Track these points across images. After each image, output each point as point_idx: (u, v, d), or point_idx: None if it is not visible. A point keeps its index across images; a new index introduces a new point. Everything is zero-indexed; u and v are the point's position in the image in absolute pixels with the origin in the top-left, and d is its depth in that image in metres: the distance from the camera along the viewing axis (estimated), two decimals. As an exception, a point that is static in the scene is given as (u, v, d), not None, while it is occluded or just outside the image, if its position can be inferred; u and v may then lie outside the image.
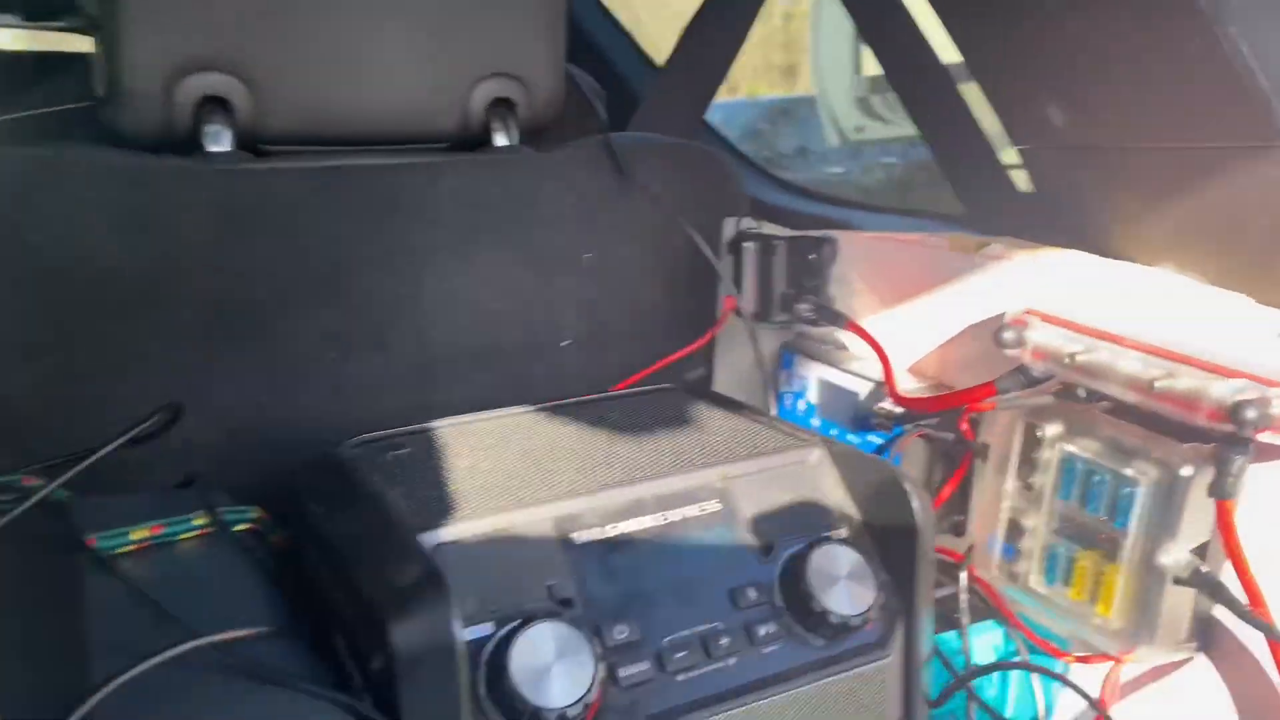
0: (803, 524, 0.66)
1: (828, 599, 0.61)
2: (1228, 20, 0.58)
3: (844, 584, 0.62)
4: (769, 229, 0.95)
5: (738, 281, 0.95)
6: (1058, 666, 0.74)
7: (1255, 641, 0.62)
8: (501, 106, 0.94)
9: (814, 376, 0.90)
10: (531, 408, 0.80)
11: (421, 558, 0.56)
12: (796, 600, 0.62)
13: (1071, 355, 0.65)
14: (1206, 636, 0.64)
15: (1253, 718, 0.63)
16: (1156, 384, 0.60)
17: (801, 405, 0.92)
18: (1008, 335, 0.69)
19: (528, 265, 0.94)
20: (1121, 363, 0.63)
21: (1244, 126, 0.60)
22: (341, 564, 0.59)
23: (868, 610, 0.61)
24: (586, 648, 0.55)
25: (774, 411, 0.92)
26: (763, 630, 0.61)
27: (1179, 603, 0.63)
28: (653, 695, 0.57)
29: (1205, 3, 0.59)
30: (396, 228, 0.86)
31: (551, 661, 0.54)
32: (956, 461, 0.80)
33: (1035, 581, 0.69)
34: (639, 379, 1.02)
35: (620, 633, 0.58)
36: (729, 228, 1.03)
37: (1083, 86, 0.68)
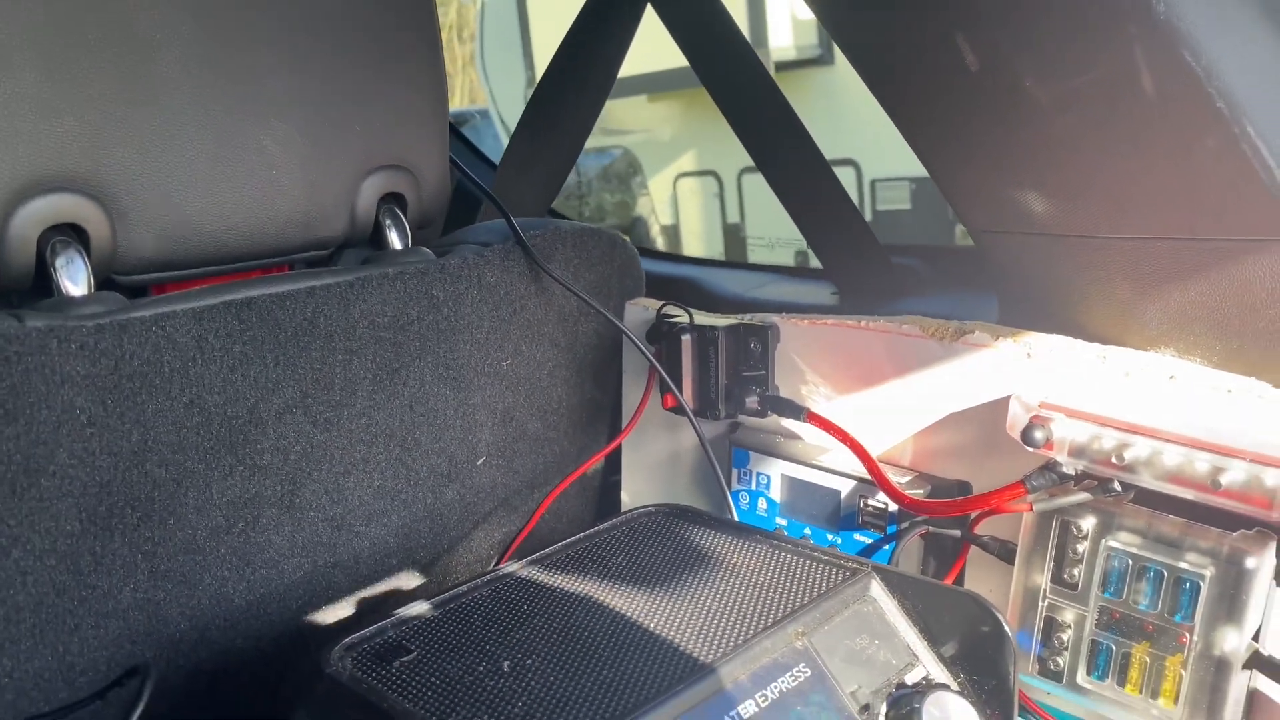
0: (888, 671, 0.61)
1: (950, 764, 0.56)
2: (1244, 119, 0.60)
3: (958, 735, 0.57)
4: (702, 317, 0.89)
5: (674, 375, 0.88)
6: (1083, 749, 0.75)
7: (1304, 711, 0.65)
8: (390, 203, 0.81)
9: (776, 473, 0.85)
10: (520, 564, 0.69)
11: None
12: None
13: (1112, 452, 0.65)
14: (1250, 710, 0.67)
15: (1299, 780, 0.66)
16: (1223, 480, 0.61)
17: (762, 505, 0.86)
18: (1038, 434, 0.67)
19: (448, 382, 0.81)
20: (1165, 457, 0.63)
21: (1255, 219, 0.62)
22: None
23: (987, 764, 0.57)
24: None
25: (732, 515, 0.86)
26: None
27: (1240, 686, 0.64)
28: None
29: (1219, 99, 0.60)
30: (312, 364, 0.71)
31: None
32: (953, 554, 0.78)
33: (1081, 677, 0.69)
34: (560, 490, 0.93)
35: None
36: (631, 311, 0.96)
37: (1075, 176, 0.68)
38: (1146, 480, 0.65)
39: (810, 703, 0.57)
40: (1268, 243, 0.63)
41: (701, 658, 0.56)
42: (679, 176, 5.30)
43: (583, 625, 0.60)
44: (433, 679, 0.56)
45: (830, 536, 0.82)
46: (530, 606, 0.63)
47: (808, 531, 0.84)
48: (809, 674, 0.58)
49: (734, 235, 4.86)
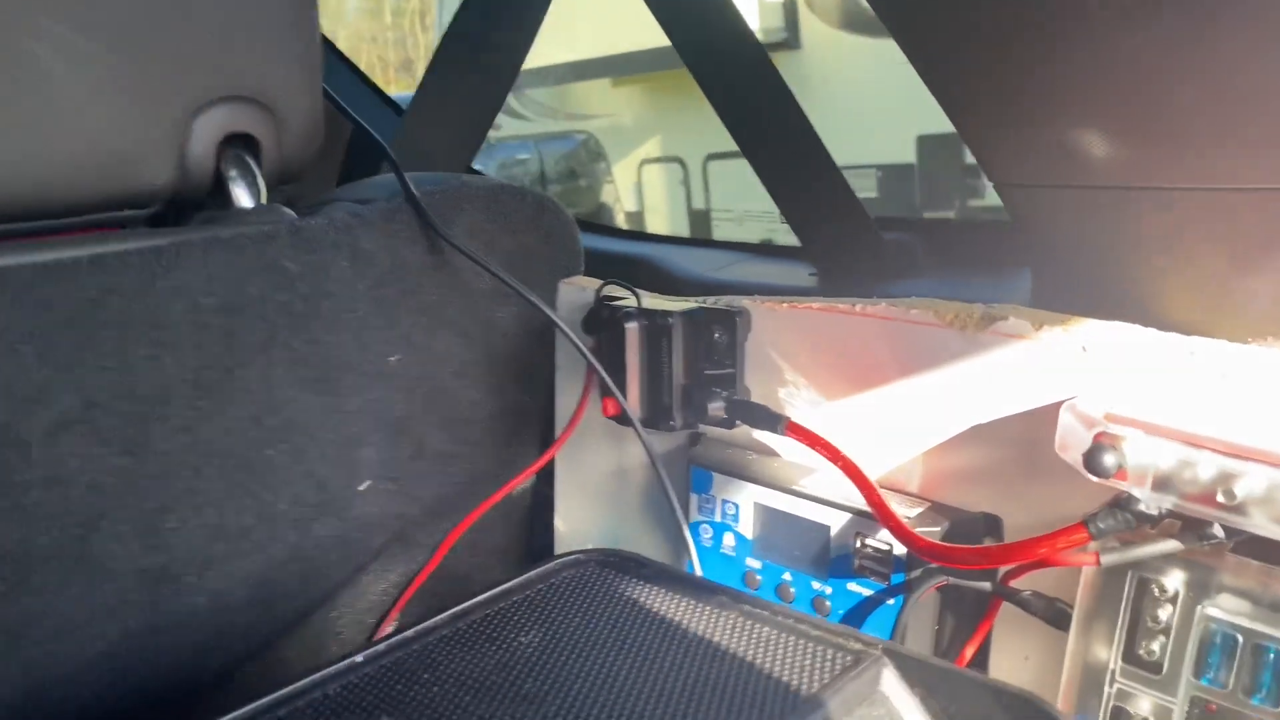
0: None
1: None
2: None
3: None
4: (653, 300, 0.69)
5: (611, 374, 0.69)
6: None
7: None
8: (237, 147, 0.61)
9: (748, 502, 0.66)
10: (383, 648, 0.49)
11: None
12: None
13: (1215, 484, 0.47)
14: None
15: None
16: (1385, 531, 0.42)
17: (729, 541, 0.67)
18: (1108, 459, 0.49)
19: (311, 385, 0.61)
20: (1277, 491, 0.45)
21: None
22: None
23: None
24: None
25: (694, 557, 0.67)
26: None
27: (1392, 812, 0.46)
28: None
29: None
30: (101, 361, 0.51)
31: None
32: (978, 613, 0.59)
33: (1164, 790, 0.50)
34: (473, 520, 0.74)
35: None
36: (567, 293, 0.76)
37: (1145, 104, 0.49)
38: (1261, 524, 0.46)
39: None
40: None
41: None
42: (644, 163, 5.12)
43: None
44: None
45: (817, 586, 0.63)
46: (442, 692, 0.44)
47: (787, 577, 0.65)
48: (799, 821, 0.39)
49: (700, 222, 4.68)
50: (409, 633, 0.50)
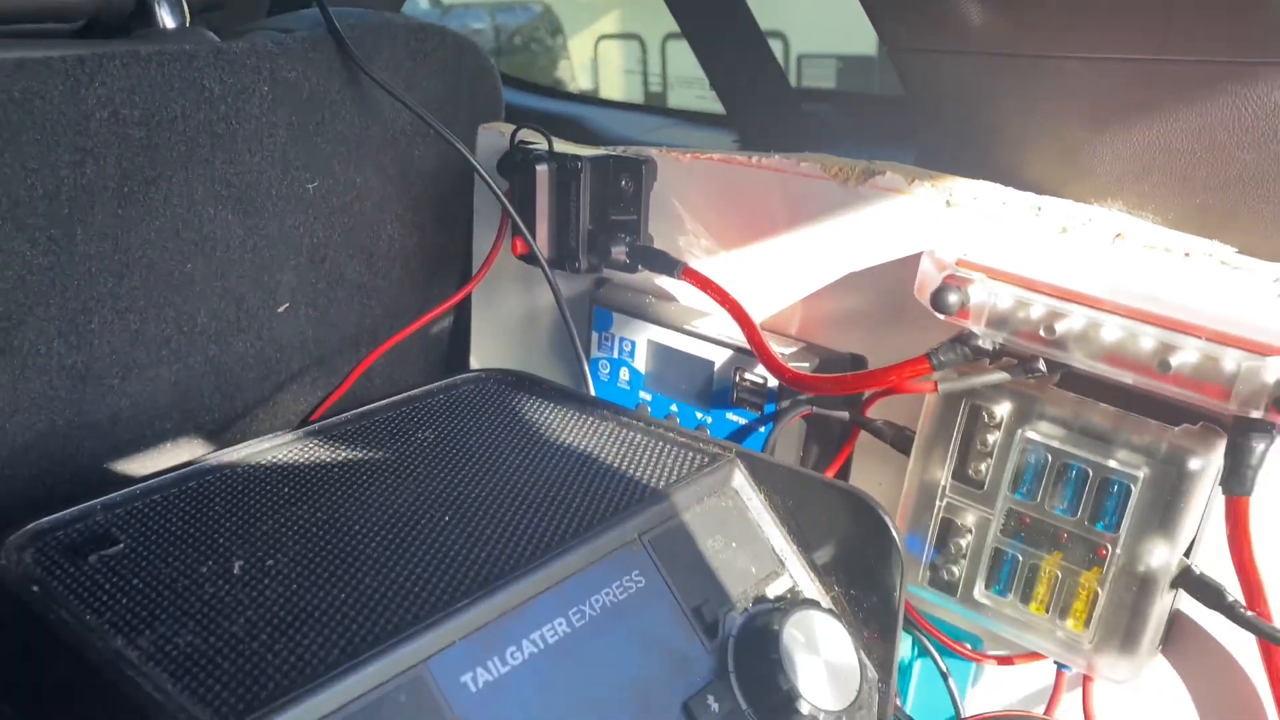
0: (746, 581, 0.48)
1: (811, 694, 0.44)
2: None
3: (824, 667, 0.45)
4: (565, 146, 0.73)
5: (522, 215, 0.73)
6: (972, 669, 0.65)
7: (1230, 638, 0.55)
8: None
9: (643, 339, 0.71)
10: (291, 436, 0.54)
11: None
12: (768, 700, 0.45)
13: (1040, 323, 0.52)
14: (1168, 634, 0.57)
15: (1214, 715, 0.56)
16: (1172, 362, 0.49)
17: (625, 376, 0.73)
18: (951, 298, 0.54)
19: (231, 204, 0.64)
20: (1106, 332, 0.51)
21: (1243, 36, 0.49)
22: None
23: (857, 698, 0.46)
24: None
25: (590, 388, 0.72)
26: (733, 750, 0.44)
27: (1163, 608, 0.54)
28: None
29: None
30: (24, 161, 0.53)
31: None
32: (839, 440, 0.66)
33: (979, 591, 0.58)
34: (385, 349, 0.78)
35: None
36: (486, 138, 0.79)
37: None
38: (1079, 360, 0.52)
39: (640, 621, 0.44)
40: (1256, 68, 0.49)
41: (502, 564, 0.43)
42: (600, 39, 5.02)
43: (354, 517, 0.46)
44: (135, 581, 0.41)
45: (700, 415, 0.69)
46: (294, 490, 0.49)
47: (674, 409, 0.70)
48: (643, 584, 0.45)
49: (655, 103, 4.63)
50: (314, 426, 0.55)
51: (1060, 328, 0.52)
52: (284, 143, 0.66)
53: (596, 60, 4.99)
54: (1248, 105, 0.50)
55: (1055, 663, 0.58)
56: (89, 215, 0.57)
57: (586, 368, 0.72)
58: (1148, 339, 0.50)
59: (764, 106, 1.01)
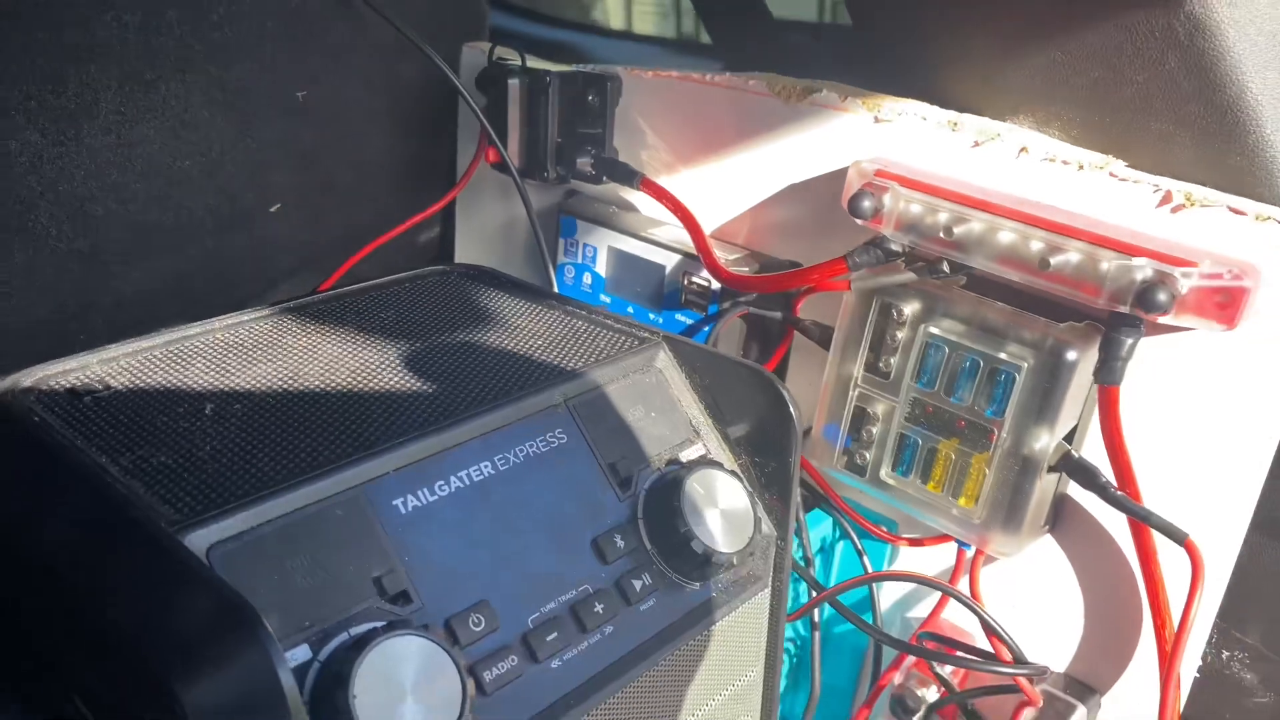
0: (661, 446, 0.54)
1: (706, 536, 0.51)
2: None
3: (720, 516, 0.52)
4: (536, 62, 0.78)
5: (495, 127, 0.78)
6: (887, 550, 0.71)
7: (1108, 520, 0.60)
8: None
9: (604, 245, 0.77)
10: (268, 310, 0.60)
11: (198, 571, 0.38)
12: (669, 541, 0.51)
13: (943, 227, 0.58)
14: (1056, 516, 0.62)
15: (1096, 592, 0.62)
16: (1052, 261, 0.54)
17: (587, 279, 0.79)
18: (866, 204, 0.59)
19: (224, 108, 0.70)
20: (1001, 235, 0.56)
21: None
22: (67, 596, 0.40)
23: (749, 544, 0.52)
24: (445, 660, 0.41)
25: (554, 288, 0.78)
26: (637, 584, 0.50)
27: (1046, 489, 0.59)
28: (527, 693, 0.45)
29: None
30: (34, 58, 0.60)
31: (406, 689, 0.39)
32: (776, 339, 0.72)
33: (885, 473, 0.64)
34: (370, 250, 0.84)
35: (476, 624, 0.44)
36: (469, 56, 0.84)
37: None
38: (978, 262, 0.58)
39: (559, 471, 0.51)
40: (1144, -8, 0.54)
41: (438, 413, 0.49)
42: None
43: (313, 372, 0.53)
44: (120, 417, 0.48)
45: (652, 316, 0.75)
46: (264, 351, 0.55)
47: (630, 310, 0.76)
48: (565, 441, 0.52)
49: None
50: (290, 303, 0.61)
51: (960, 231, 0.57)
52: (273, 53, 0.71)
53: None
54: (1139, 30, 0.54)
55: (957, 542, 0.64)
56: (94, 111, 0.63)
57: (552, 272, 0.78)
58: (1036, 242, 0.55)
59: (748, 36, 1.05)
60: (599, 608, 0.48)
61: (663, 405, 0.56)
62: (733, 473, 0.53)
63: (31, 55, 0.60)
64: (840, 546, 0.72)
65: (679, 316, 0.73)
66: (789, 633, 0.72)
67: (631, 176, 0.74)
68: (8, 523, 0.44)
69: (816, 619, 0.70)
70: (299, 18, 0.72)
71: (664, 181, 0.74)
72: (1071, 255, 0.54)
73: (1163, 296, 0.51)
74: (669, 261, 0.73)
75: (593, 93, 0.76)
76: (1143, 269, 0.52)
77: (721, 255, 0.70)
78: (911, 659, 0.68)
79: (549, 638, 0.46)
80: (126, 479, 0.43)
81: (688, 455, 0.55)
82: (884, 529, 0.69)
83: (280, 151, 0.75)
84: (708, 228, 0.73)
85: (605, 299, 0.78)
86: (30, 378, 0.51)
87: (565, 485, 0.50)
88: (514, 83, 0.76)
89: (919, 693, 0.67)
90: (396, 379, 0.52)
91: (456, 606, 0.44)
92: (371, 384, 0.51)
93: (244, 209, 0.75)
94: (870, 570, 0.70)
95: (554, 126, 0.77)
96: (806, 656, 0.72)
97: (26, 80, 0.60)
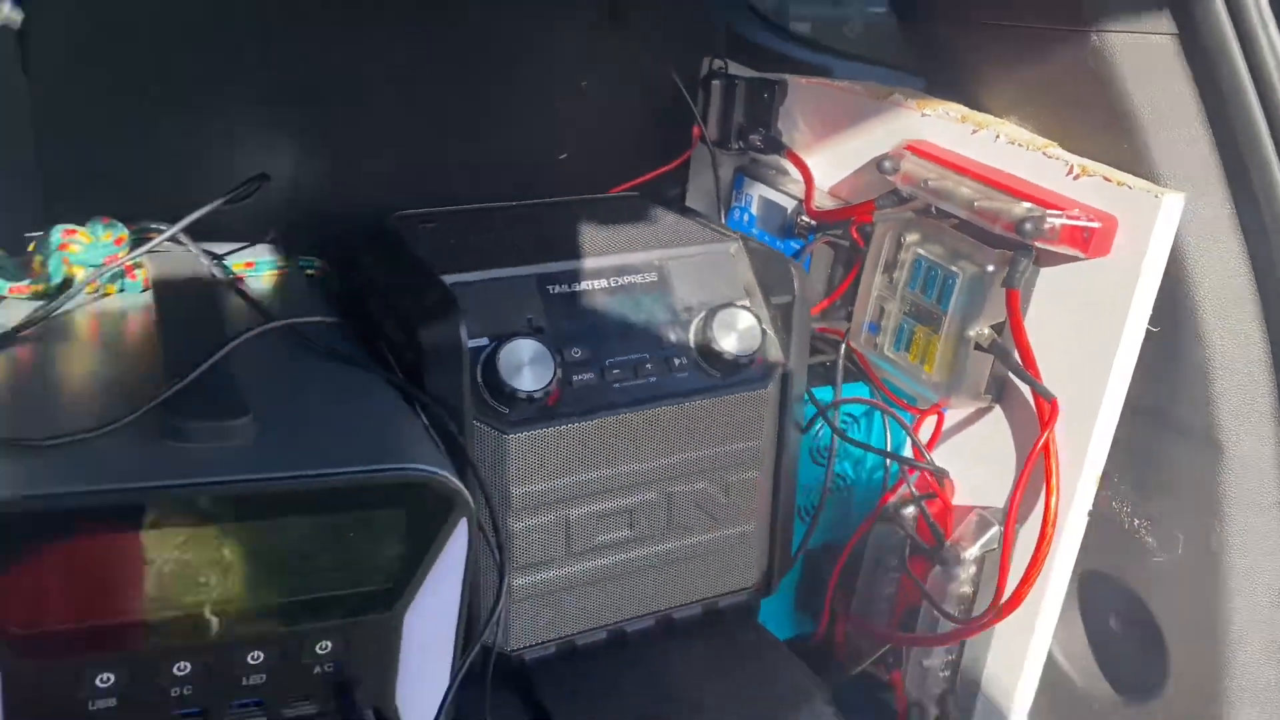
0: (716, 294, 0.90)
1: (724, 343, 0.85)
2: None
3: (737, 335, 0.86)
4: (734, 69, 1.15)
5: (705, 114, 1.17)
6: (908, 417, 1.00)
7: (1028, 393, 0.86)
8: None
9: (756, 194, 1.13)
10: (529, 203, 1.03)
11: (442, 289, 0.80)
12: (703, 344, 0.86)
13: (926, 180, 0.88)
14: (1000, 392, 0.89)
15: (1023, 447, 0.88)
16: (976, 203, 0.83)
17: (746, 218, 1.15)
18: (886, 164, 0.91)
19: (533, 87, 1.15)
20: (959, 188, 0.85)
21: (1062, 11, 0.80)
22: (387, 293, 0.84)
23: (753, 352, 0.86)
24: (550, 358, 0.80)
25: (724, 221, 1.15)
26: (676, 361, 0.86)
27: (980, 364, 0.87)
28: (595, 394, 0.83)
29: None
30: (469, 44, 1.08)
31: (525, 363, 0.79)
32: (851, 266, 1.03)
33: (888, 349, 0.94)
34: (626, 187, 1.25)
35: (575, 353, 0.83)
36: (704, 66, 1.23)
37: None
38: (947, 205, 0.87)
39: (646, 295, 0.88)
40: (1070, 33, 0.81)
41: (588, 251, 0.88)
42: None
43: (537, 227, 0.94)
44: (436, 233, 0.92)
45: (778, 243, 1.09)
46: (516, 218, 0.98)
47: (764, 237, 1.11)
48: (655, 280, 0.89)
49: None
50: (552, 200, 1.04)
51: (937, 185, 0.87)
52: (567, 58, 1.15)
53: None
54: (1079, 61, 0.81)
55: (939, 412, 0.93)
56: (488, 82, 1.10)
57: (722, 211, 1.15)
58: (971, 191, 0.84)
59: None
60: (649, 366, 0.85)
61: (727, 274, 0.91)
62: (756, 314, 0.87)
63: (460, 40, 1.07)
64: (877, 414, 1.02)
65: (792, 244, 1.07)
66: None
67: (780, 147, 1.09)
68: (379, 267, 0.89)
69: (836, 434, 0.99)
70: (583, 40, 1.15)
71: (800, 152, 1.08)
72: (994, 201, 0.82)
73: (1029, 227, 0.78)
74: (790, 205, 1.07)
75: (766, 92, 1.12)
76: (1028, 208, 0.79)
77: (818, 201, 1.03)
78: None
79: (615, 371, 0.84)
80: (427, 253, 0.87)
81: (735, 302, 0.90)
82: (901, 399, 0.98)
83: (570, 126, 1.19)
84: (827, 186, 1.06)
85: (755, 232, 1.13)
86: (401, 216, 0.97)
87: (650, 303, 0.88)
88: (716, 84, 1.14)
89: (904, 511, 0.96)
90: (578, 234, 0.92)
91: (567, 342, 0.83)
92: (562, 237, 0.92)
93: (540, 151, 1.19)
94: (888, 433, 0.99)
95: (740, 114, 1.14)
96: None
97: (455, 46, 1.07)
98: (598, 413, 0.82)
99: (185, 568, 0.58)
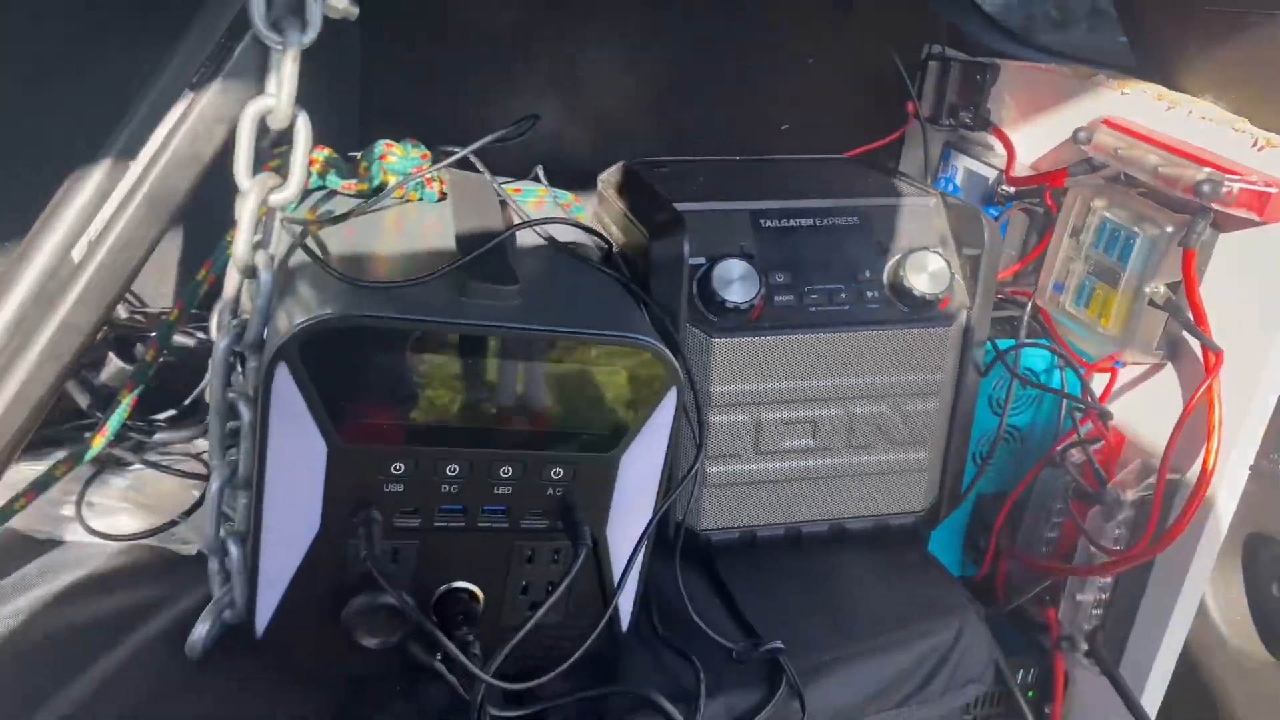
0: (912, 240, 1.01)
1: (915, 281, 0.96)
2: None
3: (928, 275, 0.97)
4: (950, 54, 1.25)
5: (920, 93, 1.27)
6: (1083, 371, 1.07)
7: (1198, 350, 0.93)
8: None
9: (962, 166, 1.22)
10: (750, 158, 1.17)
11: (672, 212, 0.95)
12: (896, 282, 0.98)
13: (1116, 149, 0.95)
14: (1173, 351, 0.95)
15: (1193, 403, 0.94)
16: (1160, 169, 0.90)
17: (950, 188, 1.24)
18: (1081, 134, 0.99)
19: (764, 61, 1.29)
20: (1147, 156, 0.93)
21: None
22: (626, 215, 1.00)
23: (941, 292, 0.96)
24: (756, 277, 0.94)
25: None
26: (869, 294, 0.98)
27: (1154, 321, 0.94)
28: (794, 312, 0.96)
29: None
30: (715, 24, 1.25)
31: (735, 279, 0.93)
32: (1044, 233, 1.11)
33: (1069, 305, 1.02)
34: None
35: (778, 277, 0.97)
36: (924, 50, 1.34)
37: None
38: (1135, 172, 0.94)
39: (847, 236, 1.00)
40: (1267, 14, 0.87)
41: (798, 194, 1.01)
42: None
43: (756, 174, 1.08)
44: (670, 176, 1.08)
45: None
46: (738, 166, 1.13)
47: (968, 207, 1.20)
48: (858, 223, 1.01)
49: None
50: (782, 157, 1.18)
51: (1127, 153, 0.95)
52: (797, 35, 1.29)
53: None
54: (1264, 43, 0.87)
55: (1115, 363, 1.00)
56: (723, 56, 1.26)
57: (931, 179, 1.25)
58: (1172, 166, 0.91)
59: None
60: (843, 295, 0.97)
61: (924, 224, 1.02)
62: (944, 258, 0.97)
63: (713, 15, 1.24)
64: (1055, 372, 1.09)
65: (991, 211, 1.16)
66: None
67: (987, 124, 1.18)
68: (623, 197, 1.06)
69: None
70: (814, 20, 1.28)
71: (1005, 128, 1.17)
72: (1176, 168, 0.89)
73: (1208, 189, 0.85)
74: (991, 175, 1.16)
75: (980, 74, 1.21)
76: (1208, 173, 0.86)
77: (1017, 173, 1.12)
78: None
79: (813, 297, 0.97)
80: (661, 187, 1.02)
81: (929, 247, 1.00)
82: (1080, 356, 1.05)
83: (794, 99, 1.32)
84: (1030, 160, 1.15)
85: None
86: (639, 161, 1.13)
87: (851, 243, 1.00)
88: (932, 65, 1.25)
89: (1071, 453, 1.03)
90: (792, 179, 1.05)
91: (773, 268, 0.97)
92: (779, 181, 1.05)
93: (764, 121, 1.33)
94: (1070, 378, 1.07)
95: (954, 94, 1.24)
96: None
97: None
98: (794, 329, 0.95)
99: (463, 390, 0.75)
